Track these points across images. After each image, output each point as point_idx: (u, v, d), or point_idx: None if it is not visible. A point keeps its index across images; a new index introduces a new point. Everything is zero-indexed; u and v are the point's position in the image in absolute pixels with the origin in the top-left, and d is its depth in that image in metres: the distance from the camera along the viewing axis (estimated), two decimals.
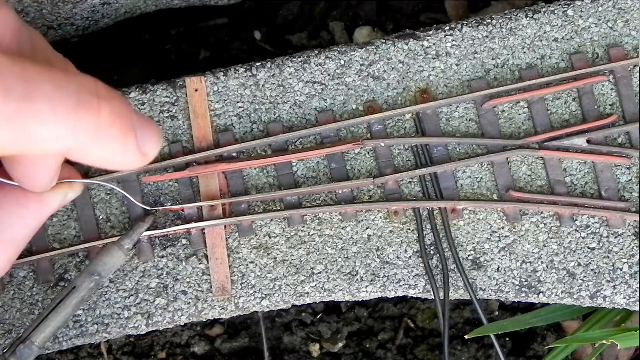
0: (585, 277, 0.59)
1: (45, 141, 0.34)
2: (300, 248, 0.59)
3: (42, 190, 0.45)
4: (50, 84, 0.34)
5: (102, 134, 0.35)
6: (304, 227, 0.59)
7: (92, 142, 0.35)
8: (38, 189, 0.44)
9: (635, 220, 0.59)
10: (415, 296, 0.60)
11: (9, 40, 0.39)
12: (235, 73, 0.61)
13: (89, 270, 0.54)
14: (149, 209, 0.58)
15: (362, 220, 0.60)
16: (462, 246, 0.59)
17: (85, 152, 0.36)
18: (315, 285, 0.59)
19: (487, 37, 0.61)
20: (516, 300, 0.60)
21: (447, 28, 0.61)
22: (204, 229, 0.59)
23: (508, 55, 0.61)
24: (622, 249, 0.59)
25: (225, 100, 0.61)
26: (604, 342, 0.60)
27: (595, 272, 0.59)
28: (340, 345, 0.75)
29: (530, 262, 0.59)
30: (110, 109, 0.35)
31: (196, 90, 0.60)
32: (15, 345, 0.52)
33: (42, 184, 0.44)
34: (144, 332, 0.60)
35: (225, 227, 0.59)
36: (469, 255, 0.59)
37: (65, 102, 0.34)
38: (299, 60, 0.61)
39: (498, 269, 0.59)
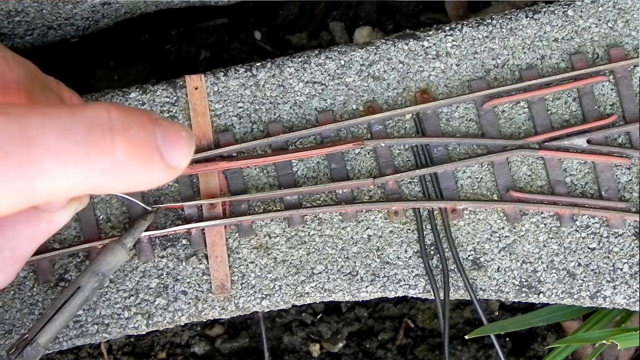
0: (585, 277, 0.59)
1: (57, 192, 0.32)
2: (300, 248, 0.59)
3: (55, 211, 0.45)
4: (54, 133, 0.31)
5: (121, 169, 0.33)
6: (304, 227, 0.59)
7: (110, 179, 0.33)
8: (52, 211, 0.45)
9: (635, 220, 0.59)
10: (415, 296, 0.60)
11: (16, 92, 0.39)
12: (235, 73, 0.61)
13: (92, 269, 0.54)
14: (149, 208, 0.58)
15: (362, 220, 0.60)
16: (462, 246, 0.59)
17: (106, 189, 0.34)
18: (315, 285, 0.59)
19: (487, 37, 0.61)
20: (516, 300, 0.60)
21: (447, 28, 0.61)
22: (203, 229, 0.59)
23: (508, 55, 0.61)
24: (622, 249, 0.59)
25: (225, 100, 0.61)
26: (604, 342, 0.60)
27: (595, 272, 0.59)
28: (340, 345, 0.75)
29: (530, 262, 0.59)
30: (127, 142, 0.33)
31: (196, 88, 0.60)
32: (22, 347, 0.52)
33: (57, 208, 0.45)
34: (144, 332, 0.60)
35: (225, 227, 0.59)
36: (469, 255, 0.59)
37: (73, 149, 0.31)
38: (299, 60, 0.61)
39: (498, 269, 0.59)
